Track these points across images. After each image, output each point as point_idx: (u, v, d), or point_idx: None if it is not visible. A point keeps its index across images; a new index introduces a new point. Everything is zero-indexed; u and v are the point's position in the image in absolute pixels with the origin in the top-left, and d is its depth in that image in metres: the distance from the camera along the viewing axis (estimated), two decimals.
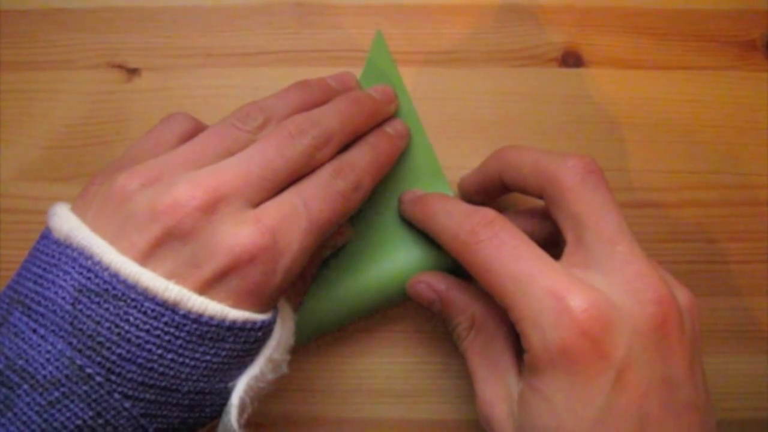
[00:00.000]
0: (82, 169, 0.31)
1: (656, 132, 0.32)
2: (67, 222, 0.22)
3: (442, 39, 0.32)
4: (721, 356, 0.30)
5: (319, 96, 0.27)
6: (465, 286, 0.28)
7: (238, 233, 0.22)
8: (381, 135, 0.28)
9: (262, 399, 0.24)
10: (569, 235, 0.24)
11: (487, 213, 0.24)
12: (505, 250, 0.23)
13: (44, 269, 0.22)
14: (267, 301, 0.23)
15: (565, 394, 0.21)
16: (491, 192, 0.28)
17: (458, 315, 0.27)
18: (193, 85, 0.32)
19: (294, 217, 0.23)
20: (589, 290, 0.21)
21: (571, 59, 0.32)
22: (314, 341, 0.30)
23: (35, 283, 0.22)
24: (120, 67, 0.32)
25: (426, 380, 0.30)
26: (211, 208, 0.22)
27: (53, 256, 0.22)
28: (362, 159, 0.26)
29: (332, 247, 0.29)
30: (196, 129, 0.26)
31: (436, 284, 0.28)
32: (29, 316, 0.21)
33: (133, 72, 0.32)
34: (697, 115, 0.32)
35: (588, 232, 0.23)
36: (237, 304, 0.22)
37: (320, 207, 0.24)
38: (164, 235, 0.21)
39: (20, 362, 0.20)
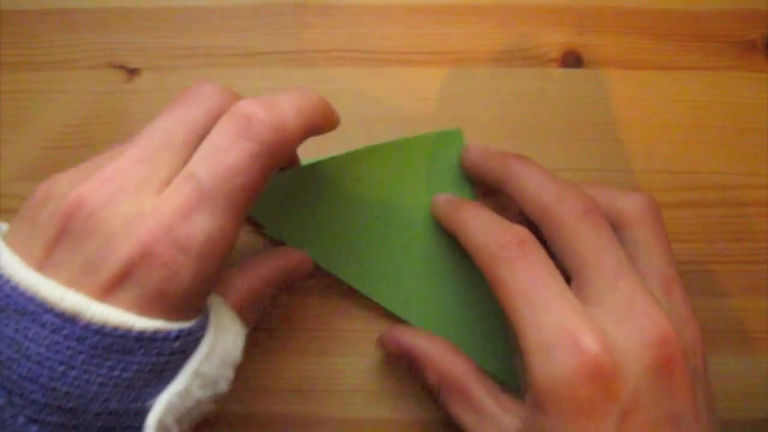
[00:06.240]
0: None
1: (656, 132, 0.32)
2: None
3: (442, 39, 0.32)
4: (721, 356, 0.30)
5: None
6: (431, 339, 0.27)
7: (133, 228, 0.19)
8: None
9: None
10: (572, 272, 0.24)
11: (521, 232, 0.24)
12: (530, 273, 0.23)
13: None
14: (180, 307, 0.20)
15: None
16: (488, 187, 0.28)
17: (426, 369, 0.27)
18: None
19: (195, 199, 0.20)
20: (601, 333, 0.21)
21: (571, 59, 0.32)
22: (314, 342, 0.30)
23: None
24: (120, 67, 0.32)
25: None
26: (107, 200, 0.20)
27: None
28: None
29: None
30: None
31: (402, 338, 0.27)
32: None
33: (133, 72, 0.32)
34: (697, 115, 0.32)
35: (589, 270, 0.23)
36: (145, 312, 0.19)
37: (222, 176, 0.20)
38: (58, 235, 0.19)
39: None
